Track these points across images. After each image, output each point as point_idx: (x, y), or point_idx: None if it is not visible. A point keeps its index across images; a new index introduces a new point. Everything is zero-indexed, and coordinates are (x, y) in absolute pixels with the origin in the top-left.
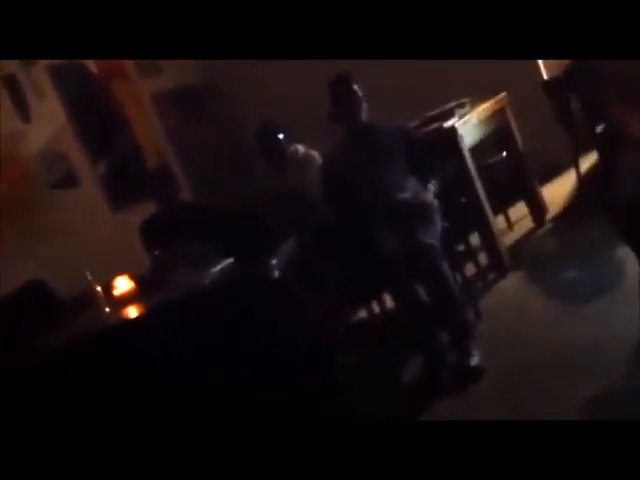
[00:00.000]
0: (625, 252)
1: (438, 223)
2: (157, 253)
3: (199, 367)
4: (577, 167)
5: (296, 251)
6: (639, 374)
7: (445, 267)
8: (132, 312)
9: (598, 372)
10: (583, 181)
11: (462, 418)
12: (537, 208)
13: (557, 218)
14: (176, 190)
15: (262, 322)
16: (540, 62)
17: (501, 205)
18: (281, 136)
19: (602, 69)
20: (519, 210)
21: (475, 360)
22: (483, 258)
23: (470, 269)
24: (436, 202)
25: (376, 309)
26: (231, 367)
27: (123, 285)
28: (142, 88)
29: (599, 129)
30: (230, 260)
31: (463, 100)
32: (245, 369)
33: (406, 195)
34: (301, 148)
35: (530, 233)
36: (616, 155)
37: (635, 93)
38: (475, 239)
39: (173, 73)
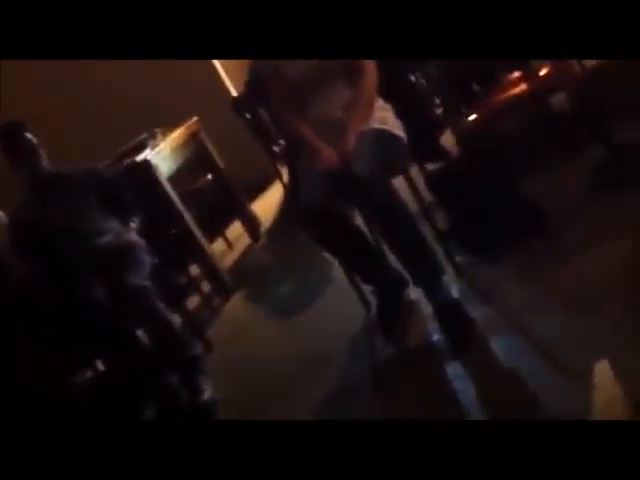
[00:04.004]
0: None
1: (147, 261)
2: None
3: None
4: (280, 178)
5: None
6: (365, 374)
7: (160, 306)
8: None
9: (328, 380)
10: (287, 190)
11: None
12: (251, 224)
13: (271, 230)
14: None
15: None
16: (228, 82)
17: (218, 228)
18: None
19: (268, 83)
20: (236, 229)
21: (207, 395)
22: (207, 286)
23: (194, 300)
24: (141, 240)
25: (100, 366)
26: None
27: None
28: None
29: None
30: None
31: (154, 130)
32: None
33: (107, 239)
34: None
35: (248, 250)
36: (295, 164)
37: (300, 100)
38: (195, 269)
39: None
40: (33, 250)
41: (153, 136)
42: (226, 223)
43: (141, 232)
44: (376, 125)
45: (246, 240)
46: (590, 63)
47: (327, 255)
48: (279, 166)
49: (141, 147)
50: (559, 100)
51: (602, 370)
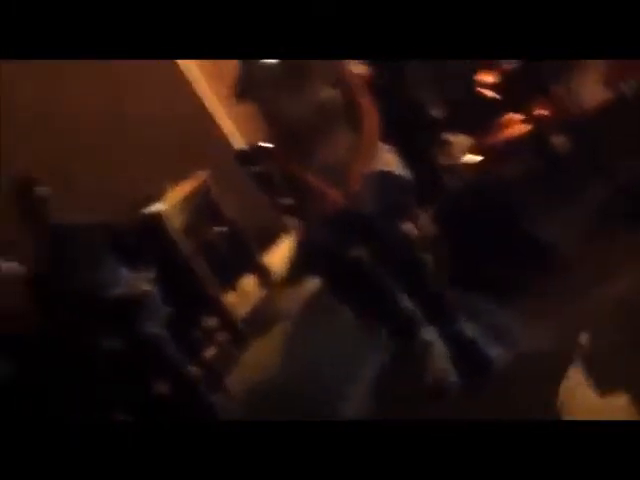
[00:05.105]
0: None
1: (161, 310)
2: None
3: None
4: (286, 229)
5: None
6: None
7: (175, 353)
8: None
9: None
10: (297, 238)
11: None
12: (262, 274)
13: (283, 279)
14: None
15: None
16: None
17: (230, 278)
18: None
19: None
20: (248, 279)
21: None
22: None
23: (211, 350)
24: (156, 289)
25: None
26: None
27: None
28: None
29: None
30: None
31: (164, 183)
32: None
33: (120, 290)
34: None
35: (262, 299)
36: (304, 210)
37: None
38: (212, 320)
39: None
40: (47, 302)
41: (163, 188)
42: (239, 274)
43: (156, 282)
44: (381, 167)
45: (257, 290)
46: (589, 104)
47: (339, 299)
48: (286, 218)
49: (151, 199)
50: (561, 140)
51: None
